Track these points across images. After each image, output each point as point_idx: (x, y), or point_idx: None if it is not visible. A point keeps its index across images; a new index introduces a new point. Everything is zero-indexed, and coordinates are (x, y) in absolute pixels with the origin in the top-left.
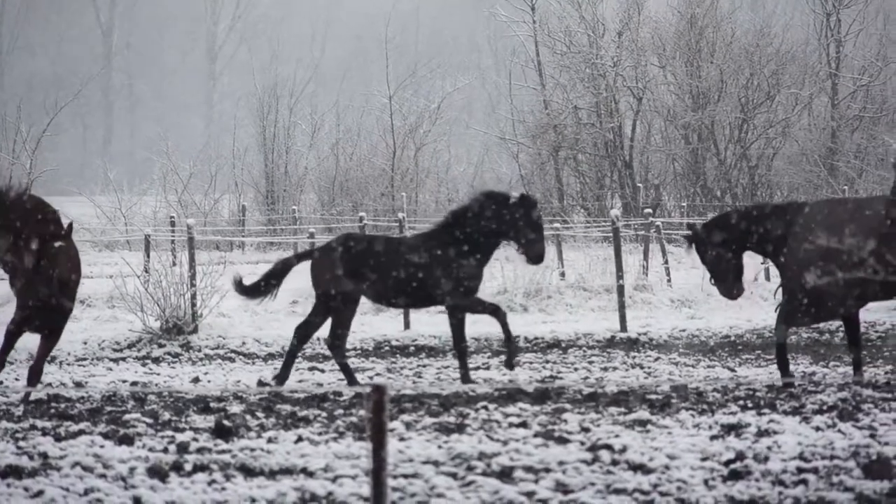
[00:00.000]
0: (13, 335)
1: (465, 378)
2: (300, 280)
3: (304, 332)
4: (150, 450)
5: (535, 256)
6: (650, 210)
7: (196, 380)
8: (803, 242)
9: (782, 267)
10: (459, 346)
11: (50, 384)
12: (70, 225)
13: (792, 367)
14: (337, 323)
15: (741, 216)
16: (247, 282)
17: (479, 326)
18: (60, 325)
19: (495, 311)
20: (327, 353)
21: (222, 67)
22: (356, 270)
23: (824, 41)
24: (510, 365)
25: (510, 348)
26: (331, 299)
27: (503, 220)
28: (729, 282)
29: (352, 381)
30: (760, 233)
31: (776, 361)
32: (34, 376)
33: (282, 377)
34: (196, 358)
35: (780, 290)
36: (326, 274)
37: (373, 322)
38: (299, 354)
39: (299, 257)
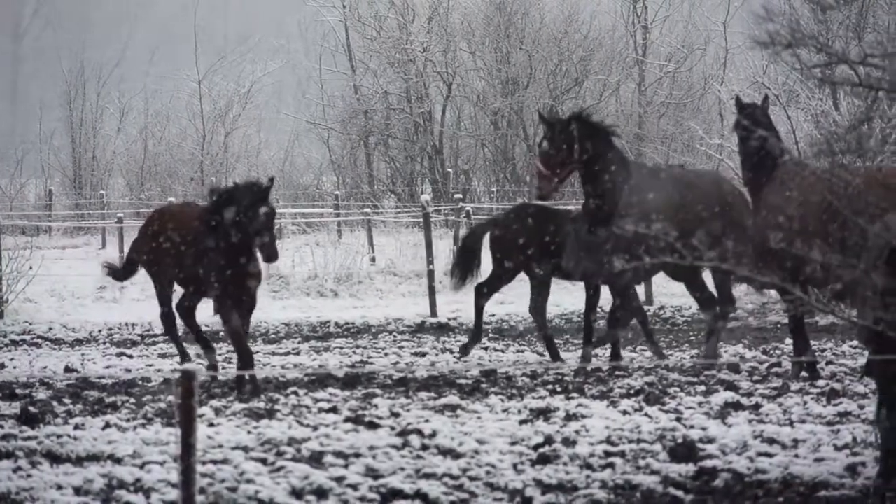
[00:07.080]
0: None
1: (658, 354)
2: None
3: (483, 293)
4: None
5: None
6: (460, 195)
7: (1, 366)
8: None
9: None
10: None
11: None
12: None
13: (600, 352)
14: (536, 294)
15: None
16: (456, 271)
17: (288, 312)
18: None
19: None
20: (136, 338)
21: (28, 49)
22: (533, 242)
23: (631, 28)
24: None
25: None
26: (508, 270)
27: None
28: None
29: (555, 355)
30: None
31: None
32: None
33: (476, 337)
34: (1, 343)
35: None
36: (506, 245)
37: None
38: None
39: (484, 227)
